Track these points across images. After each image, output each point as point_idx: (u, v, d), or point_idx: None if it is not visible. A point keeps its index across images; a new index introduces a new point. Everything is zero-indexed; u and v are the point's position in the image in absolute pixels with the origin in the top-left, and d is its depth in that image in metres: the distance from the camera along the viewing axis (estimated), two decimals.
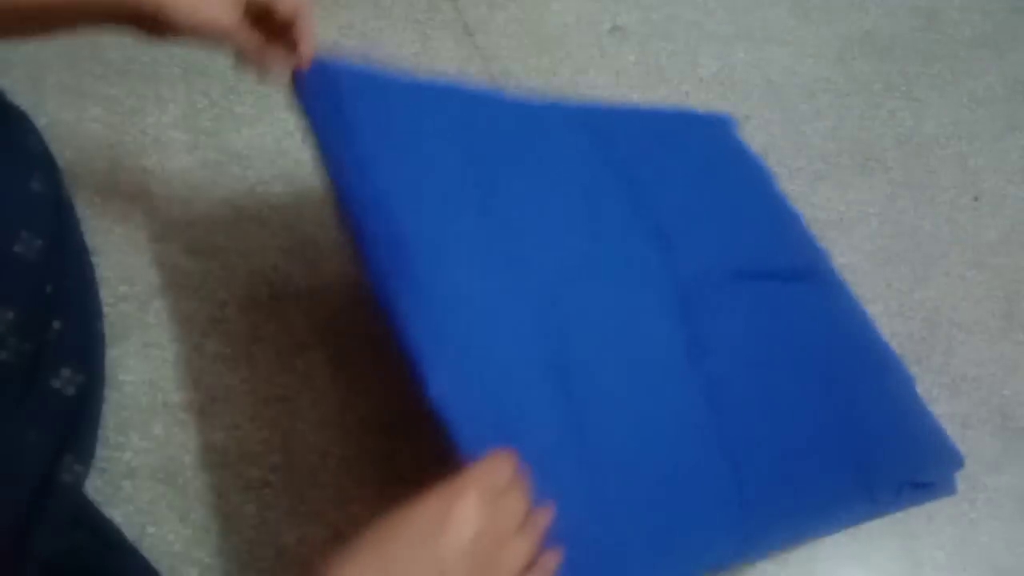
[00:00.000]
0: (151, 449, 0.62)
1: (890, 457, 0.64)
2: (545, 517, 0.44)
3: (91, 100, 0.81)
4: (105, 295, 0.65)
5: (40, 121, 0.60)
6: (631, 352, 0.60)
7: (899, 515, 0.67)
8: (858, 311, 0.73)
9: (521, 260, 0.59)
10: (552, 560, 0.44)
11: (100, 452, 0.59)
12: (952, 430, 0.72)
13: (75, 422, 0.54)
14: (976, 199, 0.90)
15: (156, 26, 0.49)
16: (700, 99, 0.93)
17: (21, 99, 0.59)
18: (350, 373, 0.68)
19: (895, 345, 0.77)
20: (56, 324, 0.53)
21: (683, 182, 0.73)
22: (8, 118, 0.55)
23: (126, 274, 0.69)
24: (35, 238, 0.50)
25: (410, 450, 0.65)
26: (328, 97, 0.58)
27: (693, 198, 0.73)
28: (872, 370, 0.68)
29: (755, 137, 0.91)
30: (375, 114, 0.59)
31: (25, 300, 0.48)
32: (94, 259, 0.65)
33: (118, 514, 0.58)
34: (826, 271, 0.75)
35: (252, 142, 0.81)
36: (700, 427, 0.58)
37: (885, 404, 0.67)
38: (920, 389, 0.74)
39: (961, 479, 0.70)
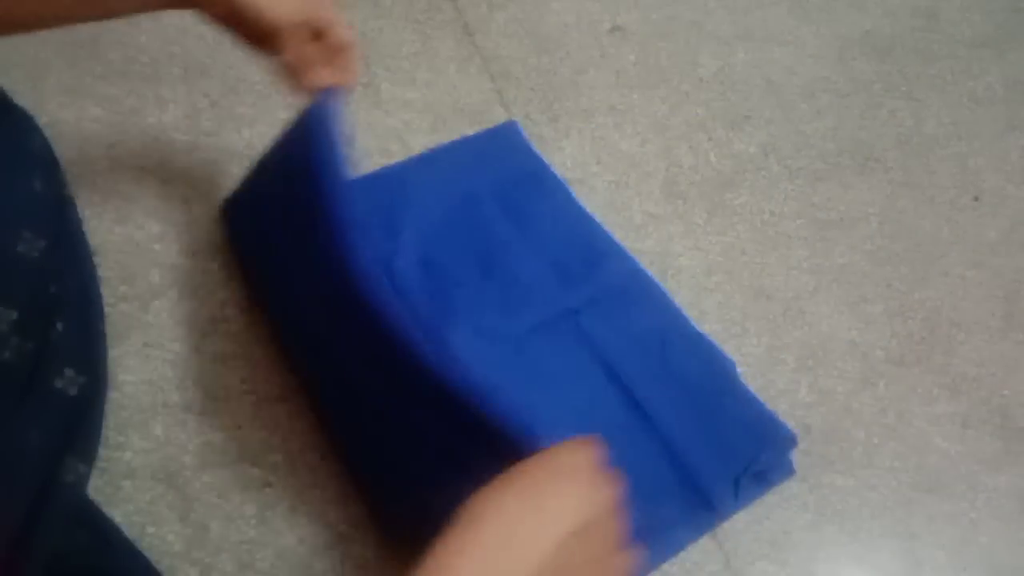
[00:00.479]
0: (151, 449, 0.62)
1: (713, 457, 0.65)
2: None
3: (91, 100, 0.81)
4: (105, 295, 0.65)
5: (40, 121, 0.60)
6: None
7: (899, 515, 0.67)
8: (667, 313, 0.73)
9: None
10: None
11: (100, 452, 0.59)
12: (952, 430, 0.73)
13: (78, 422, 0.54)
14: (976, 199, 0.90)
15: (227, 15, 0.50)
16: (700, 99, 0.93)
17: (21, 99, 0.59)
18: None
19: (895, 345, 0.77)
20: (59, 324, 0.53)
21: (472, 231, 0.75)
22: (10, 117, 0.55)
23: (126, 274, 0.69)
24: (38, 238, 0.50)
25: None
26: (328, 135, 0.60)
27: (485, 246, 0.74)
28: (687, 370, 0.69)
29: (755, 137, 0.91)
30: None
31: (28, 300, 0.48)
32: (94, 259, 0.65)
33: (118, 514, 0.58)
34: (626, 275, 0.75)
35: (253, 143, 0.81)
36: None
37: (698, 403, 0.67)
38: (920, 389, 0.75)
39: (961, 479, 0.70)
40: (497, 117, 0.87)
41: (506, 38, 0.95)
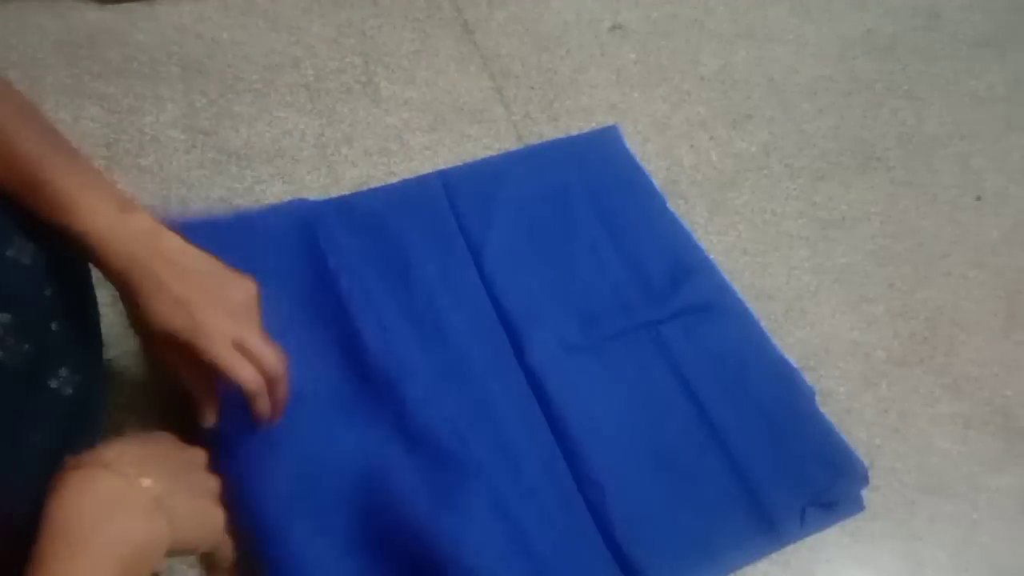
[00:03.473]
0: None
1: (783, 482, 0.64)
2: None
3: (89, 99, 0.81)
4: (101, 296, 0.64)
5: None
6: (497, 453, 0.62)
7: (901, 516, 0.67)
8: (750, 333, 0.72)
9: (375, 384, 0.63)
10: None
11: None
12: (954, 431, 0.72)
13: (77, 423, 0.54)
14: (978, 199, 0.89)
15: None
16: (701, 97, 0.93)
17: None
18: None
19: (896, 345, 0.77)
20: (54, 326, 0.52)
21: (532, 242, 0.75)
22: None
23: None
24: (28, 241, 0.49)
25: None
26: None
27: (543, 261, 0.74)
28: (765, 392, 0.68)
29: (756, 136, 0.91)
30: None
31: (22, 303, 0.48)
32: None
33: None
34: (714, 291, 0.74)
35: (250, 141, 0.81)
36: (570, 506, 0.61)
37: (781, 425, 0.67)
38: (922, 390, 0.74)
39: (963, 480, 0.70)
40: (497, 116, 0.87)
41: (506, 36, 0.95)
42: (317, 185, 0.78)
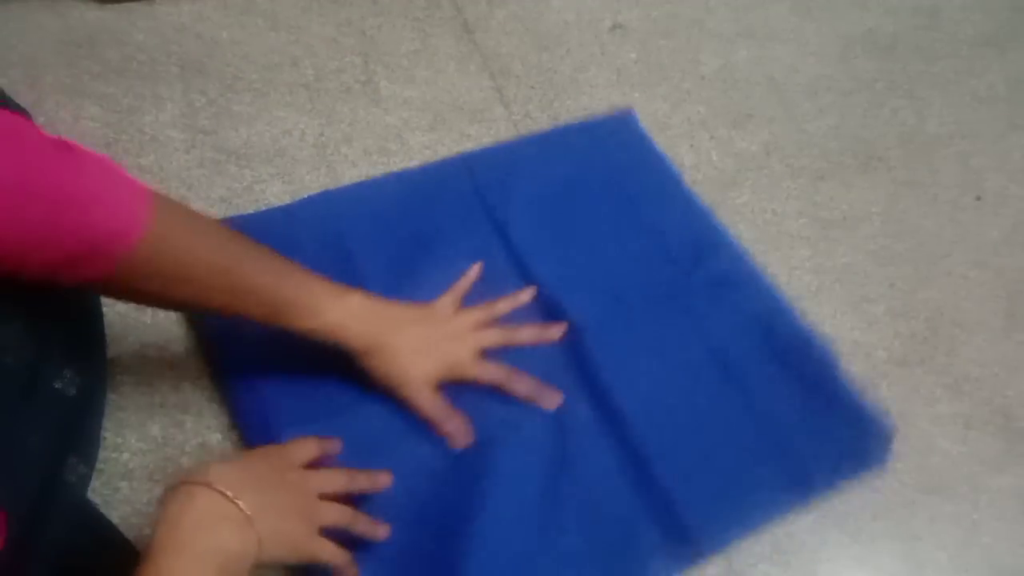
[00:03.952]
0: (148, 450, 0.62)
1: (817, 437, 0.67)
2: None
3: (89, 99, 0.81)
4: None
5: (38, 120, 0.60)
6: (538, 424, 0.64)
7: (901, 516, 0.67)
8: (772, 302, 0.76)
9: None
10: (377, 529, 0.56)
11: (99, 454, 0.59)
12: (954, 431, 0.72)
13: (77, 423, 0.54)
14: (979, 198, 0.89)
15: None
16: (701, 97, 0.93)
17: (19, 98, 0.59)
18: None
19: (897, 345, 0.76)
20: (61, 329, 0.53)
21: (565, 211, 0.78)
22: None
23: None
24: None
25: None
26: None
27: (580, 226, 0.77)
28: (787, 358, 0.71)
29: (757, 135, 0.91)
30: None
31: (31, 307, 0.48)
32: None
33: (115, 515, 0.58)
34: (735, 265, 0.78)
35: (250, 140, 0.81)
36: (614, 468, 0.64)
37: (807, 387, 0.70)
38: (923, 390, 0.74)
39: (964, 480, 0.69)
40: (497, 115, 0.87)
41: (506, 35, 0.95)
42: (317, 185, 0.78)
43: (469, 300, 0.69)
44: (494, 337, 0.65)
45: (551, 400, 0.64)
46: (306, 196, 0.76)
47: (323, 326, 0.56)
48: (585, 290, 0.72)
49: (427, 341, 0.61)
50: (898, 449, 0.70)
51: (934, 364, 0.76)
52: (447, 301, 0.66)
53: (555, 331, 0.68)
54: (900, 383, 0.74)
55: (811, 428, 0.67)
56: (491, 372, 0.63)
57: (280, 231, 0.70)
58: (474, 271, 0.70)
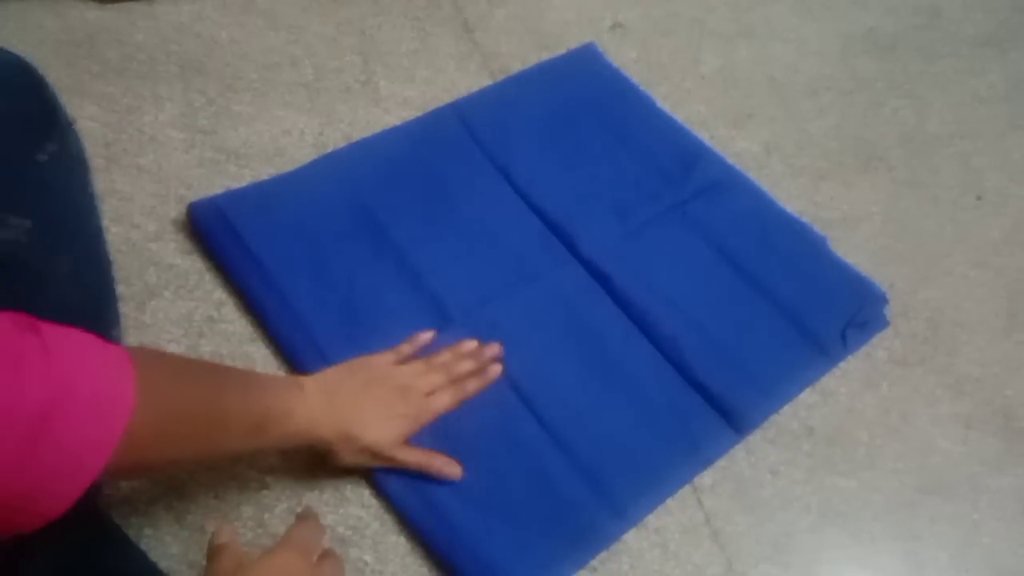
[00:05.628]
0: None
1: (825, 310, 0.75)
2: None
3: (88, 98, 0.80)
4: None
5: None
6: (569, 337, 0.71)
7: (902, 516, 0.67)
8: (761, 199, 0.83)
9: (435, 296, 0.71)
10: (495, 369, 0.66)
11: None
12: (955, 431, 0.72)
13: None
14: (979, 198, 0.89)
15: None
16: (702, 96, 0.93)
17: None
18: None
19: (898, 345, 0.76)
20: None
21: (555, 147, 0.83)
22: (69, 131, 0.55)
23: (122, 274, 0.69)
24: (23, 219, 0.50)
25: None
26: (220, 226, 0.71)
27: (569, 158, 0.82)
28: (786, 244, 0.79)
29: (757, 135, 0.91)
30: (261, 222, 0.72)
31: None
32: None
33: (116, 516, 0.58)
34: (721, 169, 0.84)
35: (249, 140, 0.81)
36: (653, 365, 0.70)
37: (807, 269, 0.78)
38: (923, 390, 0.74)
39: (964, 480, 0.69)
40: None
41: (506, 35, 0.95)
42: None
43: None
44: (437, 380, 0.64)
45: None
46: (294, 169, 0.78)
47: (296, 427, 0.54)
48: (592, 215, 0.77)
49: (385, 405, 0.60)
50: (899, 449, 0.70)
51: (935, 364, 0.76)
52: (388, 358, 0.65)
53: (493, 372, 0.67)
54: (901, 383, 0.74)
55: (817, 304, 0.75)
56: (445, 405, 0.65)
57: (290, 198, 0.75)
58: (423, 338, 0.68)
